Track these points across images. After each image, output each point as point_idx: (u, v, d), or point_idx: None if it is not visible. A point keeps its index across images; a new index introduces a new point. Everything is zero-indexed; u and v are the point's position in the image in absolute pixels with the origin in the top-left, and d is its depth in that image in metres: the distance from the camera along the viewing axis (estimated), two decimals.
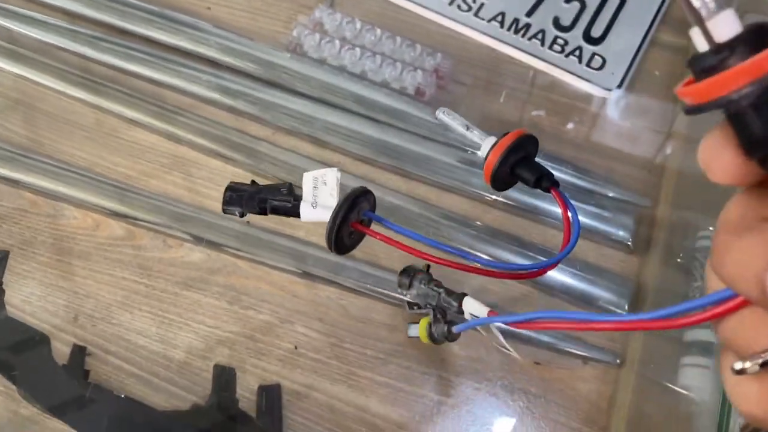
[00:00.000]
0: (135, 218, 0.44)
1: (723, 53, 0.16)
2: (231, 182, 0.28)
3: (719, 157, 0.17)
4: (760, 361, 0.16)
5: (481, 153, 0.30)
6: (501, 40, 0.50)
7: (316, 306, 0.42)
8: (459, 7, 0.52)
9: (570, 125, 0.48)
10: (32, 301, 0.42)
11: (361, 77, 0.49)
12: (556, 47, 0.50)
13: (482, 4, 0.52)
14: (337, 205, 0.26)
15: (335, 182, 0.28)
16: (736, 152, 0.17)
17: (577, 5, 0.52)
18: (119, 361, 0.40)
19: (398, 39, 0.49)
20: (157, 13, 0.52)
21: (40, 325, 0.41)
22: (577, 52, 0.50)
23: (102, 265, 0.43)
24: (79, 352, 0.39)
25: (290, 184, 0.28)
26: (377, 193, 0.46)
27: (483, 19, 0.51)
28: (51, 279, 0.43)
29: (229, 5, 0.53)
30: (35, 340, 0.33)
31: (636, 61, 0.50)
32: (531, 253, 0.43)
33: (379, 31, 0.50)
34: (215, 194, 0.46)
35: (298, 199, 0.28)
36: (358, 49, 0.49)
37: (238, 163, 0.46)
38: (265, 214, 0.28)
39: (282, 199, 0.27)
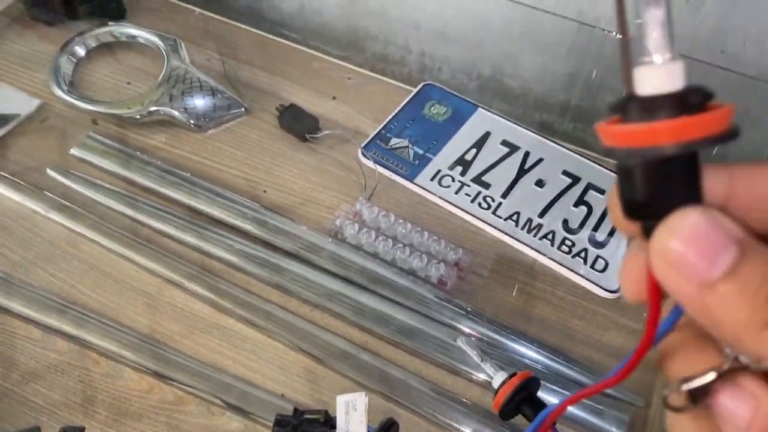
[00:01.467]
0: (184, 384, 0.50)
1: (656, 104, 0.16)
2: (277, 415, 0.34)
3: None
4: (686, 388, 0.18)
5: (494, 384, 0.36)
6: (515, 238, 0.58)
7: None
8: (480, 204, 0.59)
9: (574, 321, 0.54)
10: None
11: (392, 264, 0.56)
12: (564, 248, 0.57)
13: (500, 204, 0.59)
14: None
15: (364, 409, 0.34)
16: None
17: (584, 209, 0.59)
18: None
19: (426, 233, 0.57)
20: (217, 192, 0.60)
21: None
22: (582, 254, 0.57)
23: (152, 427, 0.48)
24: None
25: (326, 411, 0.34)
26: (398, 374, 0.51)
27: (500, 218, 0.59)
28: None
29: (282, 190, 0.61)
30: None
31: None
32: None
33: (409, 225, 0.57)
34: (255, 366, 0.51)
35: (333, 426, 0.33)
36: (390, 240, 0.56)
37: (280, 338, 0.53)
38: None
39: (320, 431, 0.33)
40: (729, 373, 0.17)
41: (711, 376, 0.18)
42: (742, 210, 0.18)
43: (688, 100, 0.16)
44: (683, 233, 0.17)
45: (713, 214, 0.17)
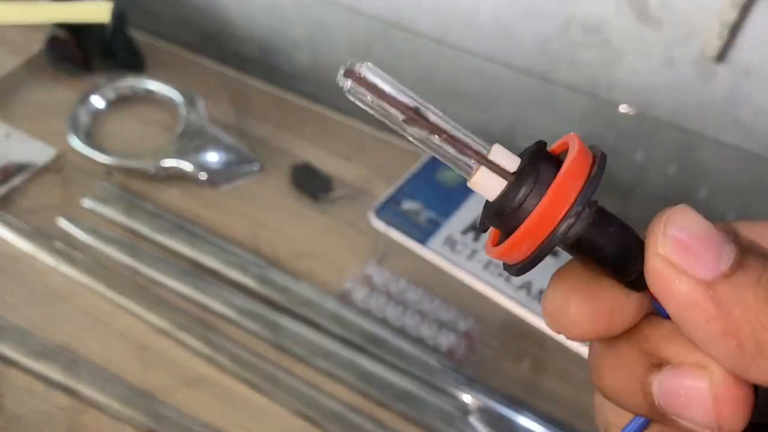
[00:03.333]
0: None
1: (524, 185, 0.15)
2: None
3: (567, 312, 0.17)
4: None
5: None
6: (526, 308, 0.57)
7: None
8: (492, 272, 0.59)
9: (584, 397, 0.53)
10: None
11: (400, 331, 0.55)
12: None
13: None
14: None
15: None
16: (582, 297, 0.16)
17: None
18: None
19: (436, 300, 0.56)
20: (226, 249, 0.59)
21: None
22: None
23: None
24: None
25: None
26: None
27: (512, 286, 0.58)
28: None
29: (292, 250, 0.61)
30: None
31: None
32: None
33: (420, 291, 0.57)
34: (257, 430, 0.50)
35: None
36: (400, 306, 0.56)
37: (283, 402, 0.52)
38: None
39: None
40: None
41: None
42: None
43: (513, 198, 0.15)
44: (685, 228, 0.15)
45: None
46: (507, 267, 0.16)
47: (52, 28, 0.70)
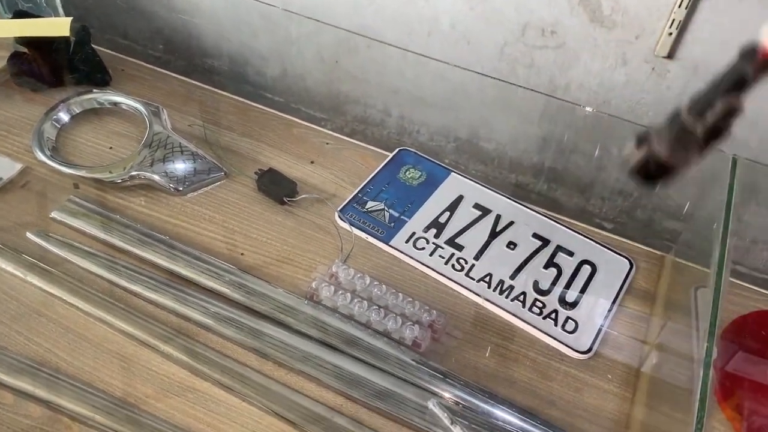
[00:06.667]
0: None
1: None
2: None
3: None
4: None
5: None
6: (487, 299, 0.59)
7: None
8: (453, 266, 0.61)
9: (546, 382, 0.55)
10: None
11: (367, 326, 0.57)
12: (535, 309, 0.58)
13: (473, 266, 0.61)
14: None
15: None
16: None
17: (554, 272, 0.61)
18: None
19: (400, 295, 0.58)
20: (195, 255, 0.61)
21: None
22: (553, 315, 0.58)
23: None
24: None
25: None
26: None
27: (473, 279, 0.60)
28: None
29: (260, 253, 0.62)
30: None
31: (605, 326, 0.58)
32: None
33: (384, 287, 0.58)
34: (230, 430, 0.51)
35: None
36: (365, 302, 0.57)
37: (255, 401, 0.52)
38: None
39: None
40: None
41: None
42: None
43: None
44: None
45: None
46: None
47: (14, 44, 0.71)
